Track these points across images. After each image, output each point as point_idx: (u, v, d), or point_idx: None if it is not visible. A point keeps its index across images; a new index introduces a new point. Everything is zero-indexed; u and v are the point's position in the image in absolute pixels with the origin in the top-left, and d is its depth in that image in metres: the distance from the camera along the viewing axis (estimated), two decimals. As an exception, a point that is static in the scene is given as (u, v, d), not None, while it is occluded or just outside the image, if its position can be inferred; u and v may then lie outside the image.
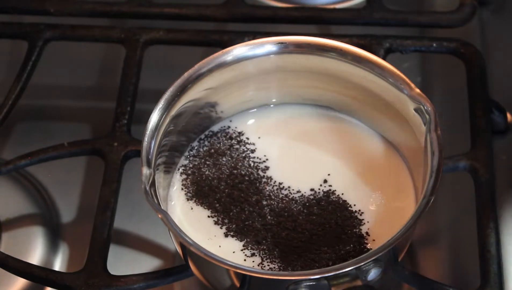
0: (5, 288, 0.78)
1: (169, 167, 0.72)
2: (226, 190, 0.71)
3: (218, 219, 0.70)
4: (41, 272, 0.74)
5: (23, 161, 0.80)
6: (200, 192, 0.72)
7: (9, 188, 0.84)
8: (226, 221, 0.70)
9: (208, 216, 0.70)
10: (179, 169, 0.73)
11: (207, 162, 0.73)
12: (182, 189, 0.72)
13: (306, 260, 0.67)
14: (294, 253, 0.68)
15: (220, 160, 0.73)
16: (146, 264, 0.80)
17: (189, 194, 0.72)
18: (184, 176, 0.73)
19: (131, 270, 0.74)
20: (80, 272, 0.73)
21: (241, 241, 0.69)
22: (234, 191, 0.71)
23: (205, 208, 0.71)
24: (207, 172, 0.73)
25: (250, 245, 0.69)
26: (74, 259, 0.81)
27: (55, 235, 0.82)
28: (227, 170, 0.73)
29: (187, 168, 0.73)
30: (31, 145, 0.82)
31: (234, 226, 0.70)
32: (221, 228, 0.70)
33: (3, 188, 0.84)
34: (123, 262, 0.79)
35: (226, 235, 0.69)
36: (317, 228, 0.69)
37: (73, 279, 0.73)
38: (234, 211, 0.70)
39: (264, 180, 0.72)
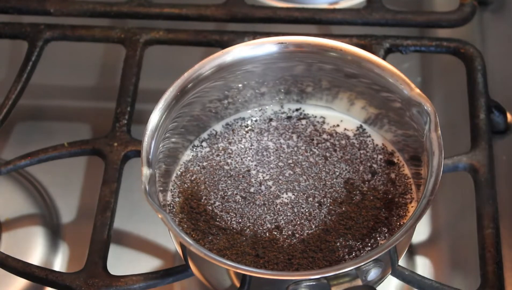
0: (5, 288, 0.78)
1: (165, 177, 0.71)
2: (216, 212, 0.70)
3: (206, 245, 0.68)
4: (41, 272, 0.74)
5: (23, 161, 0.80)
6: (188, 217, 0.70)
7: (9, 188, 0.84)
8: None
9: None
10: (170, 191, 0.72)
11: (201, 174, 0.72)
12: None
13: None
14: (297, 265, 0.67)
15: (216, 168, 0.72)
16: (146, 264, 0.80)
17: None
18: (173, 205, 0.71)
19: (131, 270, 0.74)
20: (80, 272, 0.73)
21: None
22: (223, 213, 0.70)
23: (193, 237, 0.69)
24: (198, 194, 0.71)
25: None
26: (74, 259, 0.81)
27: (55, 235, 0.82)
28: (220, 186, 0.71)
29: (178, 190, 0.72)
30: (31, 145, 0.82)
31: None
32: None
33: (3, 188, 0.84)
34: (123, 262, 0.79)
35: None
36: (319, 238, 0.68)
37: (73, 279, 0.73)
38: (224, 238, 0.68)
39: (260, 189, 0.71)
